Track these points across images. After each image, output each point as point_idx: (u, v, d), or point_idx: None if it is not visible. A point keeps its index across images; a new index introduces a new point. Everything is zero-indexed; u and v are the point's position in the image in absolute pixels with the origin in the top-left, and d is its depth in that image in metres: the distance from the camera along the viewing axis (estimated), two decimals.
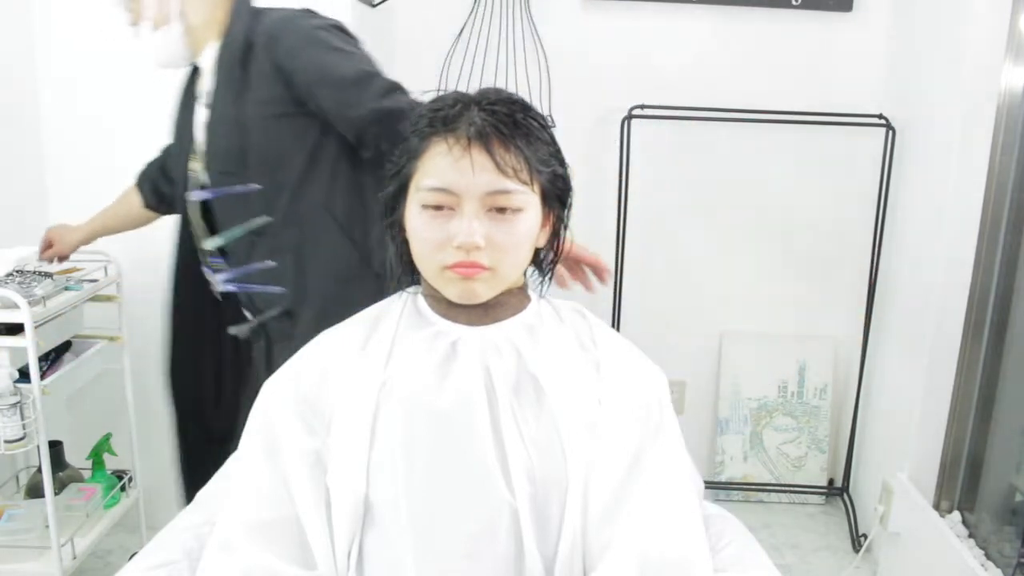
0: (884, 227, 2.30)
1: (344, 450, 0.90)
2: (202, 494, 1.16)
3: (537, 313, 0.99)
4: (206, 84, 1.44)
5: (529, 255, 0.95)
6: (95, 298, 1.88)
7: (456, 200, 0.87)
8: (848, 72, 2.34)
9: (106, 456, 1.98)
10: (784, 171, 2.41)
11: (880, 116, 2.27)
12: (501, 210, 0.88)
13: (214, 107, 1.40)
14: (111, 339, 1.95)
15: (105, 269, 1.91)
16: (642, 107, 2.31)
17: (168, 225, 2.13)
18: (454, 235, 0.87)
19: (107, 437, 2.00)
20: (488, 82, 2.31)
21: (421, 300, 0.99)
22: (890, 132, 2.24)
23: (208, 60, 1.43)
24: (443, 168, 0.87)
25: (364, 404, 0.91)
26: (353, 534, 0.90)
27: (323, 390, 0.94)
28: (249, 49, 1.36)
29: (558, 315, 1.01)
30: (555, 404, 0.91)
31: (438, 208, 0.88)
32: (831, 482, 2.57)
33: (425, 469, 0.88)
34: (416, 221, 0.90)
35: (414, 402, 0.90)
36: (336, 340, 0.98)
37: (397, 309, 0.99)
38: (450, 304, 0.94)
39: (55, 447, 1.84)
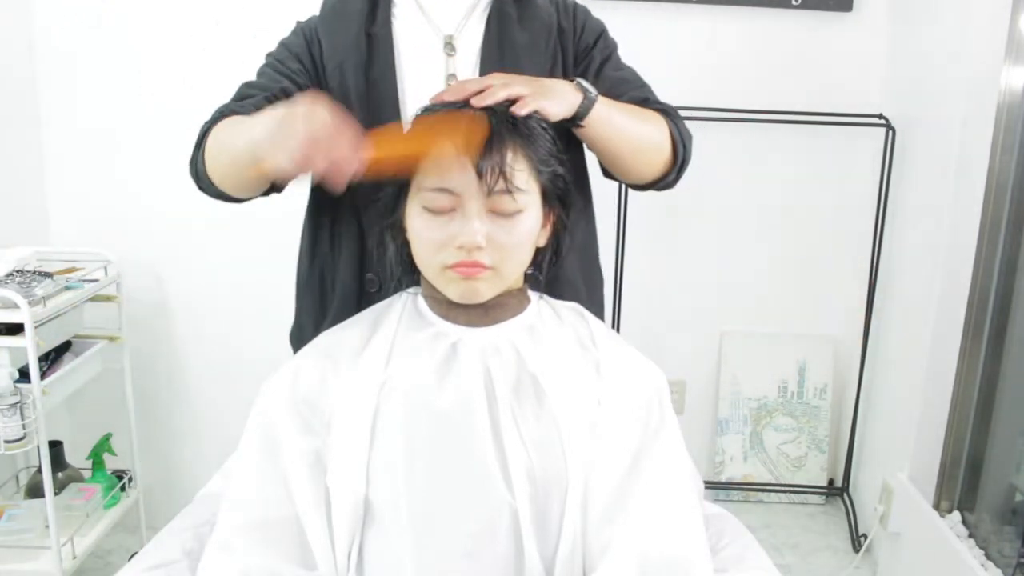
0: (884, 227, 2.29)
1: (344, 450, 0.90)
2: (202, 494, 1.16)
3: (537, 314, 0.99)
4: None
5: (530, 255, 0.95)
6: (95, 298, 1.88)
7: (457, 200, 0.87)
8: (848, 72, 2.33)
9: (106, 456, 1.98)
10: (784, 171, 2.41)
11: (880, 116, 2.27)
12: (502, 210, 0.88)
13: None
14: (111, 339, 1.95)
15: (105, 269, 1.91)
16: None
17: (167, 226, 2.13)
18: (456, 235, 0.87)
19: (107, 437, 2.00)
20: None
21: (421, 301, 0.99)
22: (890, 132, 2.24)
23: None
24: (444, 168, 0.87)
25: (364, 404, 0.91)
26: (353, 534, 0.90)
27: (323, 390, 0.94)
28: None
29: (558, 316, 1.01)
30: (555, 404, 0.91)
31: (440, 208, 0.88)
32: (831, 482, 2.56)
33: (425, 469, 0.88)
34: (417, 221, 0.90)
35: (414, 402, 0.90)
36: (336, 340, 0.98)
37: (397, 310, 0.99)
38: (450, 305, 0.94)
39: (55, 447, 1.84)
